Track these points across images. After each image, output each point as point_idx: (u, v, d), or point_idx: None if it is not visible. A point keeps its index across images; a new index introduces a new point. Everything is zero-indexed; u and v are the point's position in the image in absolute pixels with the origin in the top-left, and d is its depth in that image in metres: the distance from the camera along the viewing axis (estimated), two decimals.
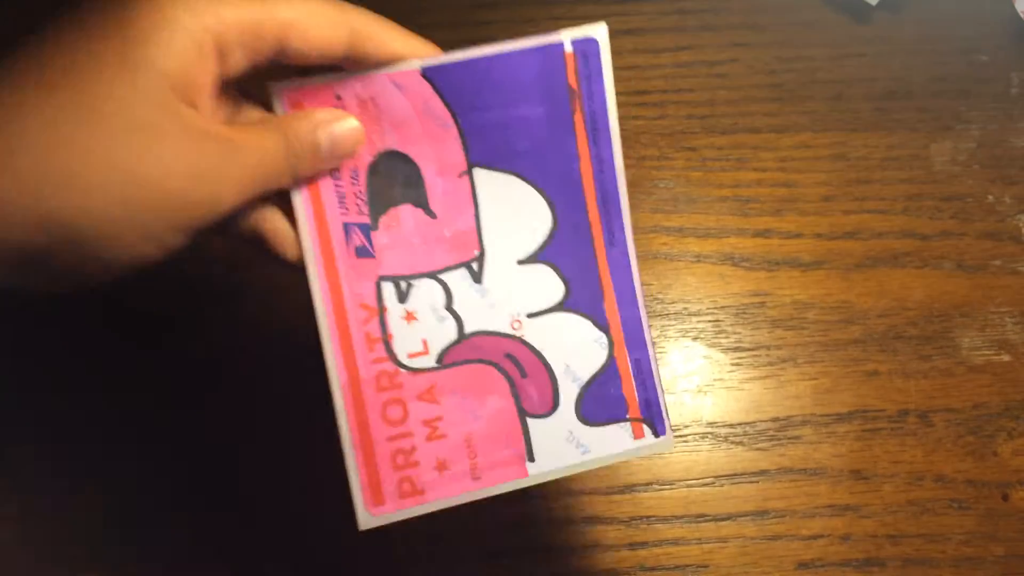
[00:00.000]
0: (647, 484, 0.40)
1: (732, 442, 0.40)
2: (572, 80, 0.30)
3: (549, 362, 0.31)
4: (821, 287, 0.43)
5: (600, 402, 0.31)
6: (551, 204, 0.31)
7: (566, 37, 0.30)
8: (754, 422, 0.41)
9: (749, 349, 0.42)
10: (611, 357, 0.31)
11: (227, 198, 0.25)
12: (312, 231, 0.29)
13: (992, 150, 0.45)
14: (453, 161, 0.30)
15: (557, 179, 0.30)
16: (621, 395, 0.31)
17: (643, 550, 0.39)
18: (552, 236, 0.31)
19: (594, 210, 0.31)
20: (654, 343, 0.31)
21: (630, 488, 0.40)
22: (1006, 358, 0.42)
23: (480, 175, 0.30)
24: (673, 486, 0.40)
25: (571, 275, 0.31)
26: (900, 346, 0.42)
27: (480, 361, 0.31)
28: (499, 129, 0.30)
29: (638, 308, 0.31)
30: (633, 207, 0.44)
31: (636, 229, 0.43)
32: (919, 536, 0.39)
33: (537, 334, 0.31)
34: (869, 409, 0.41)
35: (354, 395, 0.30)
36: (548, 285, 0.31)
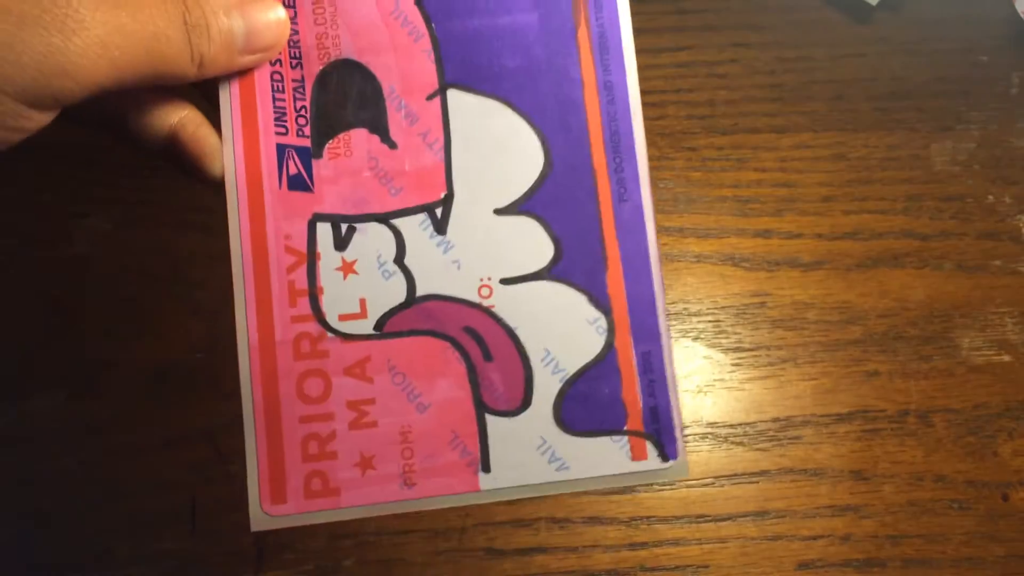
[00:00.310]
0: (647, 484, 0.40)
1: (732, 442, 0.40)
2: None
3: (523, 344, 0.24)
4: (821, 287, 0.43)
5: (589, 404, 0.24)
6: (543, 140, 0.24)
7: None
8: (754, 422, 0.41)
9: (749, 349, 0.42)
10: (609, 346, 0.24)
11: (95, 67, 0.20)
12: (237, 148, 0.24)
13: (992, 150, 0.45)
14: (422, 78, 0.24)
15: (553, 108, 0.24)
16: (619, 398, 0.24)
17: (643, 550, 0.39)
18: (542, 181, 0.24)
19: (599, 152, 0.24)
20: (669, 333, 0.24)
21: (630, 488, 0.40)
22: (1006, 358, 0.42)
23: (455, 98, 0.24)
24: (673, 486, 0.40)
25: (564, 233, 0.24)
26: (900, 346, 0.42)
27: (431, 333, 0.24)
28: (482, 41, 0.24)
29: (652, 285, 0.24)
30: None
31: None
32: (919, 536, 0.39)
33: (511, 306, 0.24)
34: (869, 409, 0.41)
35: (264, 360, 0.24)
36: (532, 244, 0.24)
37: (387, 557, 0.39)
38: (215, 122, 0.24)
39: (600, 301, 0.24)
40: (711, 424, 0.41)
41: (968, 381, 0.41)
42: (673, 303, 0.43)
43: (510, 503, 0.39)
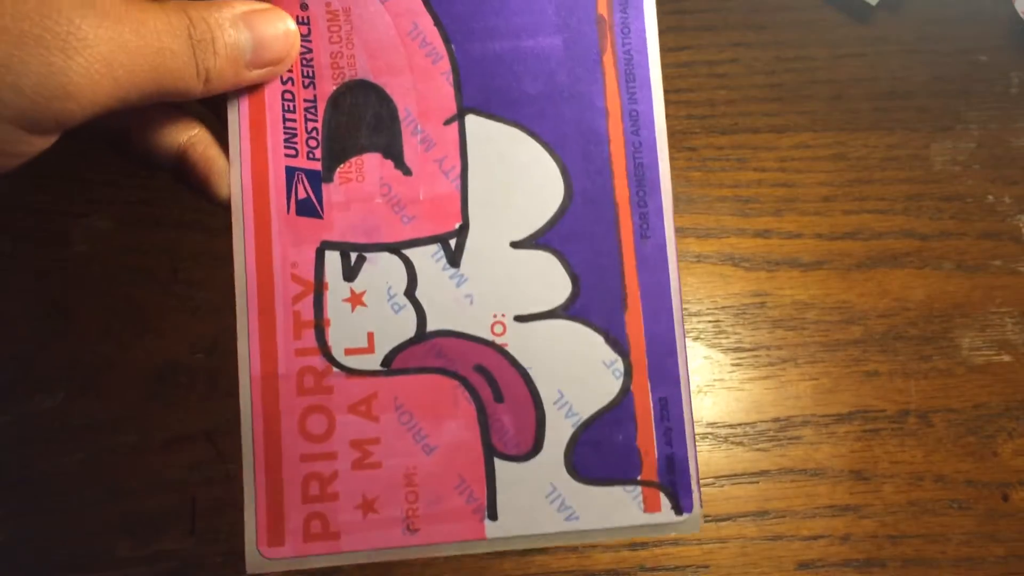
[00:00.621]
0: (658, 537, 0.40)
1: (732, 442, 0.40)
2: (603, 6, 0.23)
3: (536, 385, 0.23)
4: (821, 287, 0.43)
5: (602, 451, 0.23)
6: (564, 170, 0.23)
7: None
8: (754, 422, 0.41)
9: (749, 349, 0.42)
10: (626, 391, 0.23)
11: (98, 87, 0.19)
12: (245, 170, 0.23)
13: (992, 150, 0.45)
14: (440, 102, 0.23)
15: (575, 137, 0.23)
16: (633, 446, 0.23)
17: (643, 550, 0.39)
18: (561, 214, 0.23)
19: (622, 185, 0.23)
20: (689, 379, 0.23)
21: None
22: (1006, 358, 0.42)
23: (473, 123, 0.23)
24: None
25: (583, 270, 0.23)
26: (900, 346, 0.42)
27: (441, 371, 0.23)
28: (503, 65, 0.23)
29: (673, 327, 0.23)
30: None
31: None
32: (919, 536, 0.39)
33: (525, 345, 0.23)
34: (869, 409, 0.41)
35: (266, 394, 0.23)
36: (549, 280, 0.23)
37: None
38: (224, 142, 0.24)
39: (618, 342, 0.23)
40: (711, 424, 0.41)
41: (968, 381, 0.41)
42: None
43: None
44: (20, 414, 0.41)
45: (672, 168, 0.44)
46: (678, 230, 0.44)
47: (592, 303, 0.23)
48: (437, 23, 0.23)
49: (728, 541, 0.39)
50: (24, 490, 0.40)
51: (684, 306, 0.42)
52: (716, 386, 0.41)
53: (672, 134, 0.45)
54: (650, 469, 0.23)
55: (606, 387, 0.23)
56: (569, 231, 0.23)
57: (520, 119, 0.23)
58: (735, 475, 0.40)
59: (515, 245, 0.23)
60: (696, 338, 0.42)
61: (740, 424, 0.41)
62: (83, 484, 0.40)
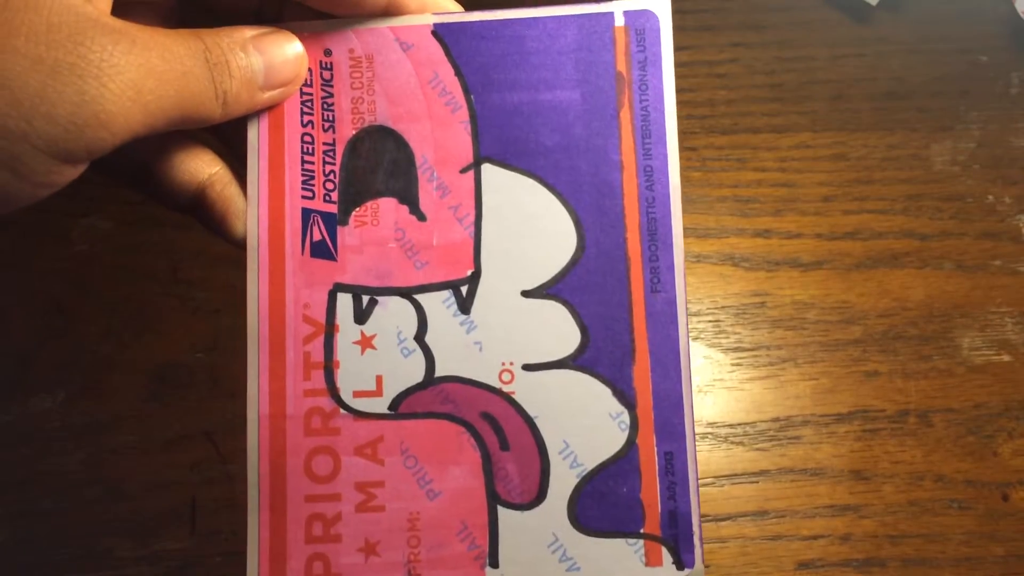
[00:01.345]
0: None
1: (732, 442, 0.40)
2: (621, 63, 0.23)
3: (542, 435, 0.23)
4: (821, 287, 0.43)
5: (605, 503, 0.23)
6: (577, 222, 0.23)
7: (618, 7, 0.23)
8: (754, 422, 0.41)
9: (749, 349, 0.42)
10: (631, 444, 0.23)
11: (128, 114, 0.20)
12: (262, 211, 0.23)
13: (992, 150, 0.45)
14: (457, 150, 0.24)
15: (589, 190, 0.23)
16: (637, 499, 0.23)
17: None
18: (573, 265, 0.23)
19: (635, 239, 0.23)
20: (696, 434, 0.23)
21: None
22: (1006, 358, 0.42)
23: (489, 172, 0.24)
24: None
25: (592, 321, 0.23)
26: (900, 346, 0.42)
27: (448, 417, 0.23)
28: (521, 116, 0.23)
29: (680, 382, 0.23)
30: None
31: None
32: (919, 536, 0.39)
33: (532, 394, 0.23)
34: (869, 409, 0.41)
35: (274, 433, 0.23)
36: (559, 330, 0.23)
37: None
38: (243, 182, 0.24)
39: (625, 395, 0.23)
40: (711, 424, 0.41)
41: (968, 381, 0.41)
42: None
43: None
44: (20, 414, 0.41)
45: None
46: None
47: (601, 355, 0.23)
48: (458, 73, 0.24)
49: (728, 541, 0.39)
50: (24, 490, 0.40)
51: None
52: (716, 386, 0.41)
53: None
54: (653, 523, 0.23)
55: (612, 439, 0.23)
56: (580, 282, 0.23)
57: (536, 170, 0.24)
58: (735, 475, 0.40)
59: (526, 294, 0.24)
60: (696, 338, 0.42)
61: (740, 424, 0.41)
62: (83, 484, 0.40)
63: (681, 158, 0.45)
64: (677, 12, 0.47)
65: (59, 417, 0.40)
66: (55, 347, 0.41)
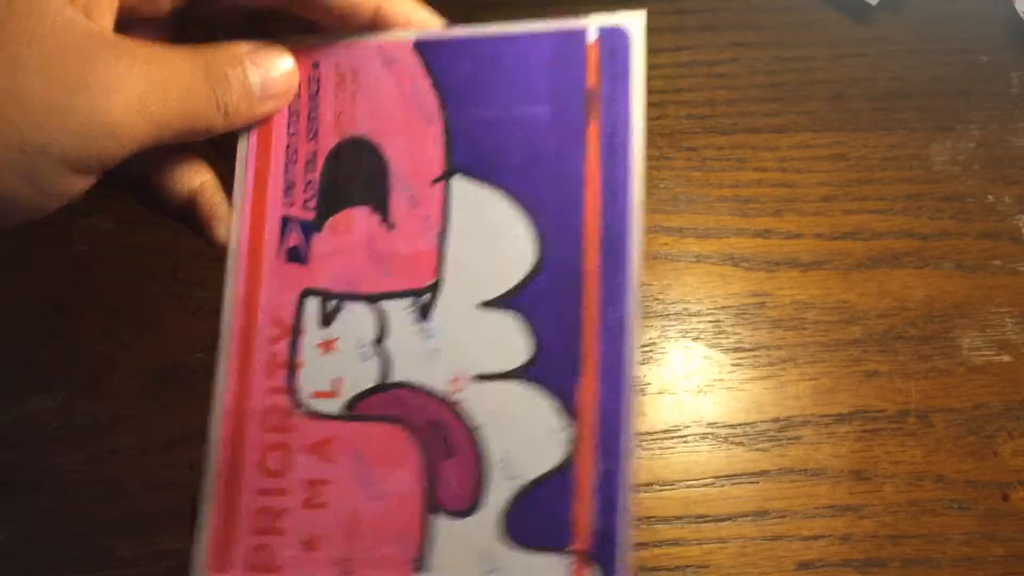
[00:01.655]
0: (647, 485, 0.40)
1: (732, 443, 0.40)
2: (592, 79, 0.24)
3: (484, 445, 0.23)
4: (821, 287, 0.43)
5: (538, 517, 0.23)
6: (538, 236, 0.24)
7: (592, 23, 0.24)
8: (754, 422, 0.41)
9: (749, 349, 0.42)
10: (569, 460, 0.23)
11: (135, 125, 0.21)
12: (245, 218, 0.25)
13: (992, 150, 0.45)
14: (430, 162, 0.24)
15: (552, 205, 0.24)
16: (568, 516, 0.22)
17: (643, 551, 0.39)
18: (530, 279, 0.24)
19: (593, 255, 0.23)
20: (633, 453, 0.23)
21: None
22: (1006, 358, 0.42)
23: (458, 185, 0.24)
24: (673, 487, 0.40)
25: (545, 335, 0.23)
26: (900, 346, 0.42)
27: (398, 421, 0.24)
28: (493, 130, 0.24)
29: (623, 400, 0.23)
30: None
31: None
32: (919, 536, 0.39)
33: (479, 404, 0.23)
34: (869, 409, 0.41)
35: (235, 427, 0.24)
36: (511, 342, 0.23)
37: None
38: (228, 187, 0.25)
39: (568, 410, 0.23)
40: (711, 424, 0.41)
41: (968, 381, 0.41)
42: (673, 303, 0.42)
43: None
44: (20, 414, 0.40)
45: (672, 168, 0.45)
46: (678, 230, 0.44)
47: (550, 369, 0.23)
48: (436, 87, 0.24)
49: (728, 541, 0.39)
50: (24, 490, 0.40)
51: (684, 306, 0.42)
52: (716, 386, 0.41)
53: (672, 134, 0.45)
54: (583, 540, 0.22)
55: (551, 453, 0.23)
56: (536, 296, 0.24)
57: (503, 183, 0.24)
58: (735, 475, 0.40)
59: (484, 305, 0.24)
60: (696, 338, 0.42)
61: (740, 424, 0.41)
62: (83, 484, 0.40)
63: (681, 158, 0.45)
64: (677, 12, 0.48)
65: (59, 417, 0.40)
66: (55, 347, 0.41)
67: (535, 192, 0.24)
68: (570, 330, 0.23)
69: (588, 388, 0.23)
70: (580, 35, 0.24)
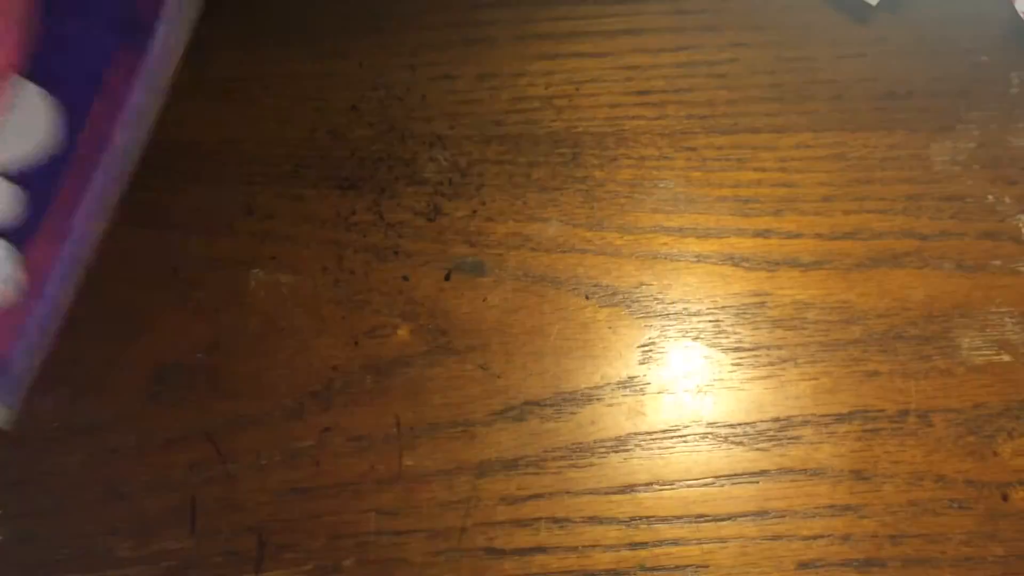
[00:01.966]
0: (647, 484, 0.40)
1: (732, 442, 0.40)
2: (148, 16, 0.30)
3: None
4: (821, 287, 0.43)
5: None
6: (62, 125, 0.29)
7: None
8: (754, 422, 0.41)
9: (749, 349, 0.42)
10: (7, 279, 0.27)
11: None
12: None
13: (992, 150, 0.45)
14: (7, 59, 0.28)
15: (77, 100, 0.29)
16: None
17: (643, 550, 0.39)
18: (45, 154, 0.29)
19: (91, 152, 0.29)
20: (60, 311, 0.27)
21: (630, 488, 0.40)
22: (1006, 358, 0.42)
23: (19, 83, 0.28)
24: (673, 486, 0.40)
25: (33, 198, 0.28)
26: (900, 346, 0.42)
27: None
28: (65, 40, 0.29)
29: (67, 272, 0.27)
30: (633, 207, 0.44)
31: (636, 229, 0.44)
32: (919, 536, 0.39)
33: None
34: (869, 409, 0.41)
35: None
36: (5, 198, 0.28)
37: (387, 557, 0.39)
38: None
39: (16, 246, 0.27)
40: (711, 424, 0.41)
41: (968, 381, 0.41)
42: (673, 303, 0.43)
43: (510, 503, 0.39)
44: (20, 414, 0.41)
45: (672, 168, 0.45)
46: (678, 230, 0.44)
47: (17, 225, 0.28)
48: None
49: (728, 541, 0.39)
50: (24, 490, 0.40)
51: (684, 306, 0.42)
52: (716, 386, 0.41)
53: (672, 134, 0.45)
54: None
55: None
56: (43, 170, 0.28)
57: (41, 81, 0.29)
58: (735, 475, 0.40)
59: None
60: (696, 338, 0.42)
61: (740, 424, 0.41)
62: (83, 484, 0.40)
63: (681, 158, 0.45)
64: (677, 12, 0.48)
65: (59, 417, 0.40)
66: (55, 347, 0.41)
67: (67, 89, 0.29)
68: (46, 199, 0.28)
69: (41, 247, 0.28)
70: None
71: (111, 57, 0.29)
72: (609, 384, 0.41)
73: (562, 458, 0.40)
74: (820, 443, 0.40)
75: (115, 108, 0.30)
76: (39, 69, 0.29)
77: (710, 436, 0.41)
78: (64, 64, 0.29)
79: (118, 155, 0.30)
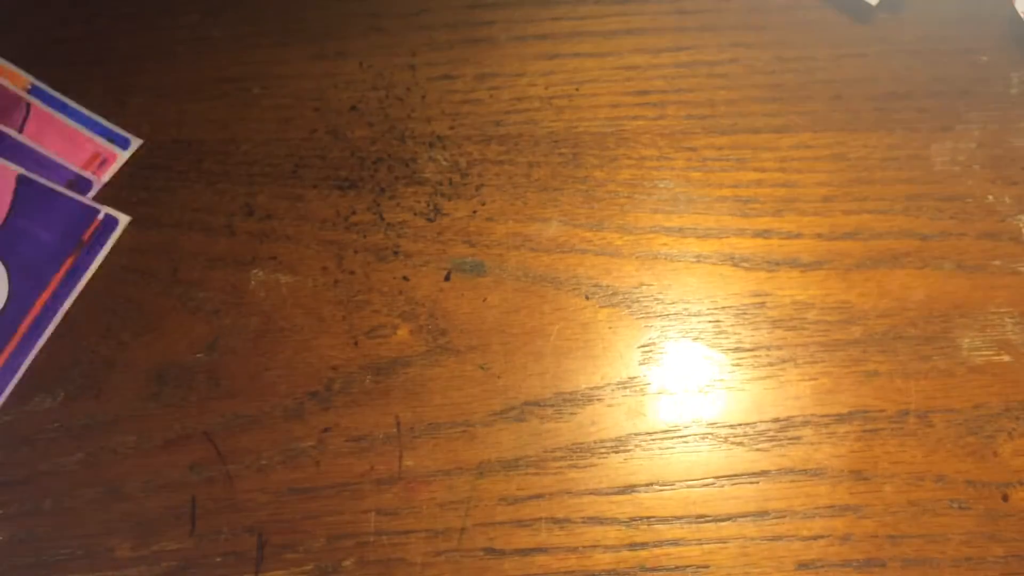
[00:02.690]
0: (647, 484, 0.40)
1: (732, 443, 0.40)
2: (87, 236, 0.41)
3: None
4: (821, 287, 0.43)
5: None
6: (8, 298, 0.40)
7: (103, 210, 0.41)
8: (754, 423, 0.41)
9: (749, 349, 0.42)
10: None
11: None
12: None
13: (992, 150, 0.45)
14: None
15: (27, 272, 0.40)
16: None
17: (643, 551, 0.39)
18: None
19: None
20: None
21: (630, 488, 0.40)
22: (1006, 358, 0.42)
23: None
24: (673, 487, 0.40)
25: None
26: (900, 346, 0.42)
27: None
28: (27, 233, 0.40)
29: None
30: (633, 207, 0.44)
31: (636, 229, 0.44)
32: (919, 536, 0.39)
33: None
34: (869, 409, 0.41)
35: None
36: None
37: (387, 557, 0.39)
38: None
39: None
40: (711, 424, 0.41)
41: (968, 381, 0.41)
42: (673, 303, 0.42)
43: (510, 504, 0.39)
44: (20, 414, 0.41)
45: (672, 168, 0.45)
46: (678, 230, 0.44)
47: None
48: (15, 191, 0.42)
49: (728, 541, 0.39)
50: (24, 490, 0.40)
51: (684, 306, 0.42)
52: (716, 386, 0.41)
53: (672, 134, 0.45)
54: None
55: None
56: None
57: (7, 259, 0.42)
58: (735, 475, 0.40)
59: None
60: (696, 338, 0.42)
61: (740, 424, 0.41)
62: (83, 484, 0.40)
63: (681, 158, 0.45)
64: (677, 12, 0.48)
65: (59, 417, 0.40)
66: (55, 347, 0.41)
67: (17, 259, 0.40)
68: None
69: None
70: (95, 212, 0.42)
71: (58, 262, 0.40)
72: (609, 384, 0.41)
73: (562, 458, 0.40)
74: (820, 443, 0.40)
75: (55, 301, 0.40)
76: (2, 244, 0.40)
77: (710, 436, 0.41)
78: (19, 252, 0.40)
79: (41, 333, 0.40)
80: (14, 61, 0.47)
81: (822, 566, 0.39)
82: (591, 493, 0.40)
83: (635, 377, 0.41)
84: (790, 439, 0.40)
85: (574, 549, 0.39)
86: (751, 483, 0.40)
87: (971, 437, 0.40)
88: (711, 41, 0.47)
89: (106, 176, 0.42)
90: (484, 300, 0.43)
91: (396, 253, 0.43)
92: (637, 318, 0.42)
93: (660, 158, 0.45)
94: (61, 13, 0.49)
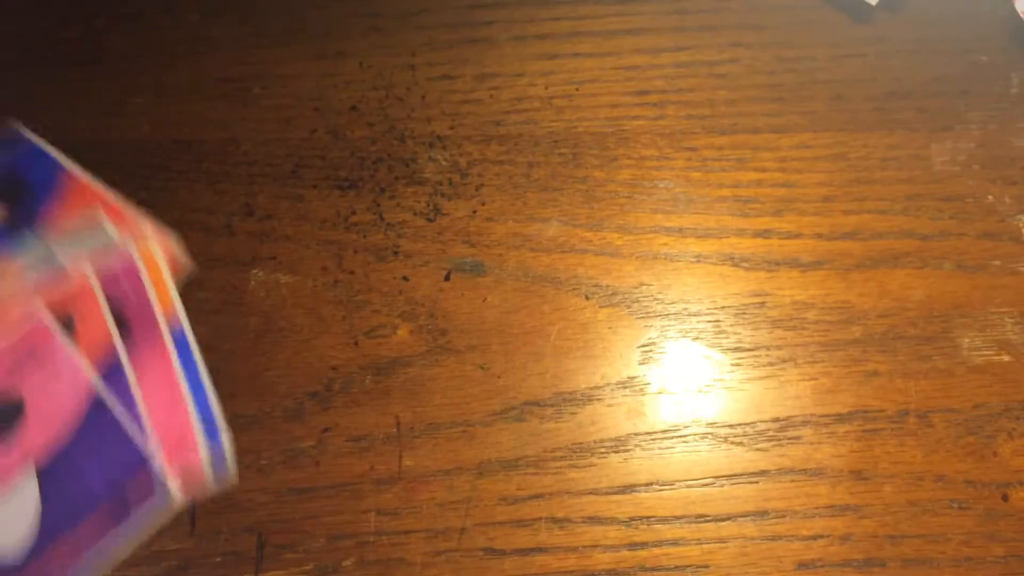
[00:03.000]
0: (647, 484, 0.40)
1: (732, 442, 0.40)
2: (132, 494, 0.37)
3: None
4: (821, 287, 0.43)
5: None
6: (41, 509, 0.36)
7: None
8: (754, 422, 0.41)
9: (749, 349, 0.42)
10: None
11: None
12: None
13: (992, 150, 0.45)
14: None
15: (58, 515, 0.36)
16: None
17: (643, 550, 0.39)
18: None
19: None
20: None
21: (630, 488, 0.40)
22: (1006, 358, 0.42)
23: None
24: (673, 486, 0.40)
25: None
26: (900, 346, 0.42)
27: None
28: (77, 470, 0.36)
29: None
30: (633, 207, 0.44)
31: (636, 229, 0.44)
32: (919, 536, 0.39)
33: None
34: (869, 409, 0.41)
35: None
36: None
37: (387, 557, 0.39)
38: None
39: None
40: (711, 424, 0.41)
41: (968, 381, 0.41)
42: (673, 303, 0.42)
43: (510, 504, 0.39)
44: None
45: (672, 168, 0.45)
46: (678, 230, 0.44)
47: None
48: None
49: (728, 541, 0.39)
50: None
51: (684, 306, 0.42)
52: (716, 386, 0.41)
53: (672, 134, 0.45)
54: None
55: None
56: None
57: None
58: (735, 475, 0.40)
59: None
60: (696, 338, 0.42)
61: (740, 424, 0.41)
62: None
63: (681, 158, 0.45)
64: (677, 12, 0.48)
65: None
66: None
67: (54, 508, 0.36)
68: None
69: None
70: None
71: (96, 508, 0.36)
72: (609, 384, 0.41)
73: (562, 458, 0.40)
74: (820, 443, 0.40)
75: (78, 548, 0.36)
76: (45, 477, 0.36)
77: (710, 436, 0.41)
78: (60, 488, 0.36)
79: None
80: (13, 61, 0.47)
81: (822, 566, 0.39)
82: (591, 493, 0.40)
83: (635, 377, 0.41)
84: (790, 439, 0.40)
85: (574, 549, 0.39)
86: (751, 483, 0.40)
87: (971, 437, 0.40)
88: (711, 41, 0.47)
89: (174, 469, 0.38)
90: (484, 300, 0.43)
91: (396, 253, 0.43)
92: (637, 318, 0.42)
93: (660, 158, 0.45)
94: (61, 13, 0.49)
